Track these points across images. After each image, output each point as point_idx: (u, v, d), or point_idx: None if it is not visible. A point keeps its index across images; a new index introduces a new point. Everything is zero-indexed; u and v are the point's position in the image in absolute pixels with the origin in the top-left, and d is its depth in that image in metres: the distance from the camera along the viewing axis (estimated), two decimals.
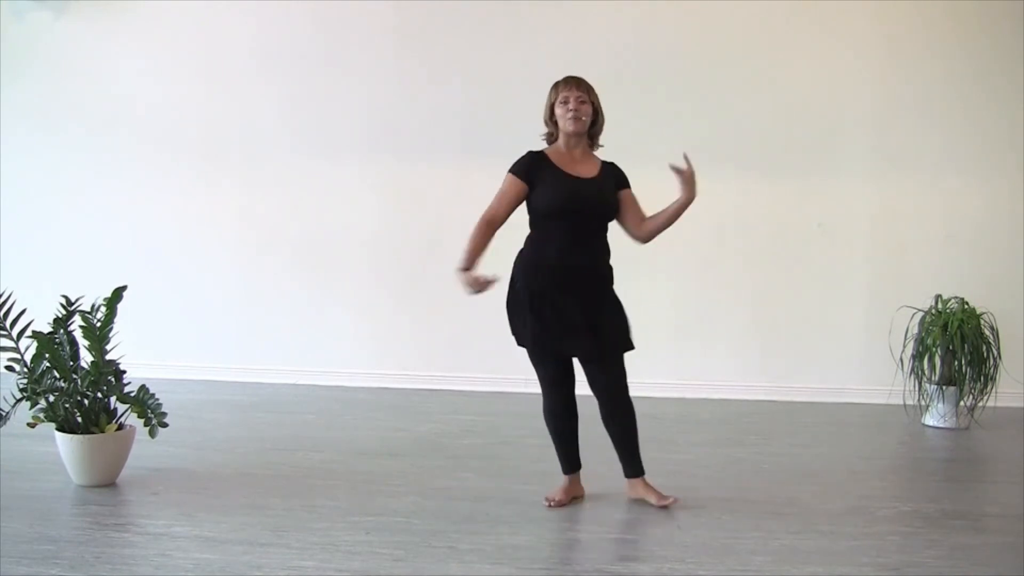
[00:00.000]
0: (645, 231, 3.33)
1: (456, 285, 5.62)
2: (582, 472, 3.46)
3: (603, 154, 3.40)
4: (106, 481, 3.47)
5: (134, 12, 5.57)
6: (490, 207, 3.24)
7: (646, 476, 3.38)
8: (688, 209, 3.27)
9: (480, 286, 3.07)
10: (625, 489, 3.41)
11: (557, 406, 3.36)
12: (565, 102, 3.23)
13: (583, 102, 3.23)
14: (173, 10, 5.53)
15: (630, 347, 3.34)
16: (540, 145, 3.37)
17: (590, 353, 3.25)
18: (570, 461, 3.43)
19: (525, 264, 3.28)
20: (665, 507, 3.29)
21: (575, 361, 3.35)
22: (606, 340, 3.25)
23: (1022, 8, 5.08)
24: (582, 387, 3.40)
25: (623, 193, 3.33)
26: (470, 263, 3.14)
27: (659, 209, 3.31)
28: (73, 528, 3.05)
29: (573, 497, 3.41)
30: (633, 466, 3.37)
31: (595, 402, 3.33)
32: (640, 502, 3.35)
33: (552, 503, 3.33)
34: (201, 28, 5.55)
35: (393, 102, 5.45)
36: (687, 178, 3.20)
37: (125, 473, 3.54)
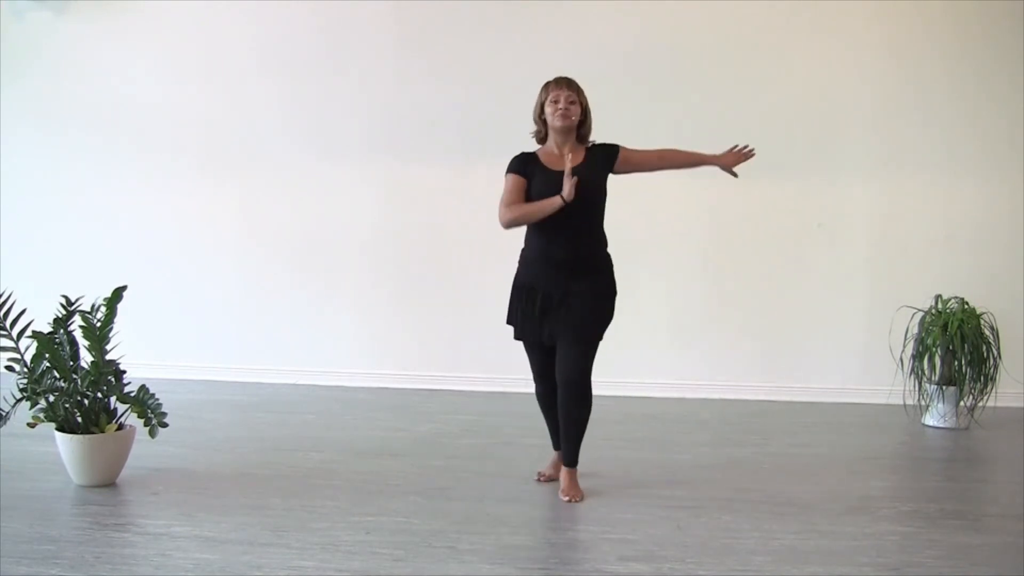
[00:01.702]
0: (664, 164, 3.49)
1: (455, 286, 5.64)
2: (580, 468, 3.51)
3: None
4: (106, 481, 3.47)
5: (134, 12, 5.57)
6: (503, 203, 3.34)
7: (576, 469, 3.46)
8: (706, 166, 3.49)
9: (571, 176, 3.16)
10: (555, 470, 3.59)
11: (543, 391, 3.55)
12: (556, 101, 3.32)
13: (572, 102, 3.32)
14: (173, 10, 5.53)
15: (592, 335, 3.38)
16: (537, 146, 3.45)
17: (555, 339, 3.38)
18: (556, 439, 3.62)
19: (522, 258, 3.44)
20: (568, 500, 3.36)
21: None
22: (569, 327, 3.33)
23: (1022, 8, 5.07)
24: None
25: (619, 158, 3.39)
26: (551, 202, 3.22)
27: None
28: (73, 528, 3.05)
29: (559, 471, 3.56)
30: (568, 455, 3.45)
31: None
32: (640, 502, 3.35)
33: (542, 478, 3.59)
34: (201, 28, 5.55)
35: (393, 102, 5.45)
36: (738, 159, 3.48)
37: (125, 473, 3.55)
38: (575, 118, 3.31)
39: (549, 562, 2.85)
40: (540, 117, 3.38)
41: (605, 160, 3.38)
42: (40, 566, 2.68)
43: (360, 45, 5.48)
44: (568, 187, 3.16)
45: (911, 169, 5.24)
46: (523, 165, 3.36)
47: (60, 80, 5.63)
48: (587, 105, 3.37)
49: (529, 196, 3.32)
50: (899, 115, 5.23)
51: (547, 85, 3.36)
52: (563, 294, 3.31)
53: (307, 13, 5.48)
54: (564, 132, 3.33)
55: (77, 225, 5.69)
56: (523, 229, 3.41)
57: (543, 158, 3.37)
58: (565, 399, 3.36)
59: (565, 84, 3.33)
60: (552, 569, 2.78)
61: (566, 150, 3.25)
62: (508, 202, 3.33)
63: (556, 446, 3.62)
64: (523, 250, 3.44)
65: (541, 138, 3.43)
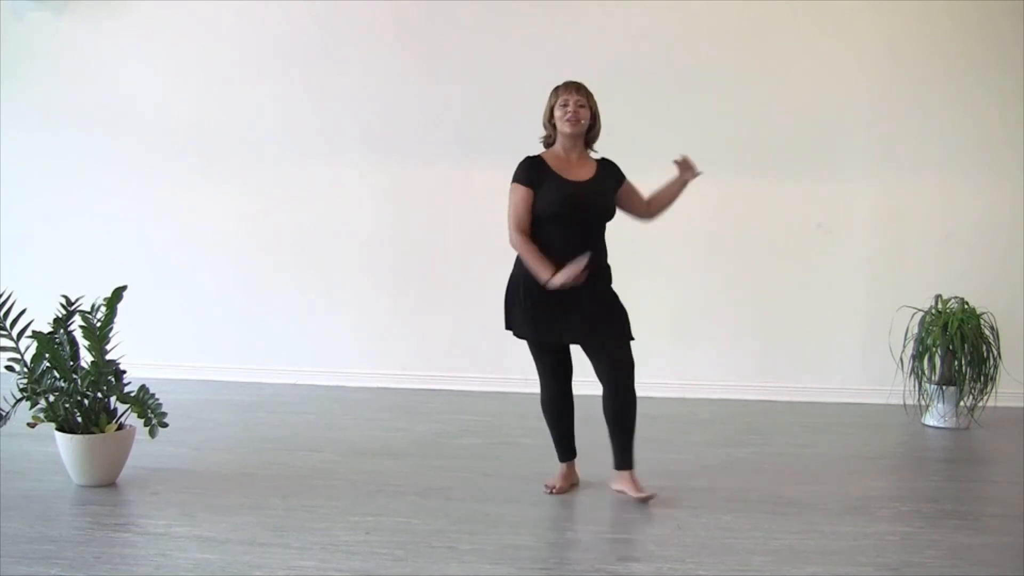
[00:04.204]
0: (653, 210, 3.48)
1: (455, 286, 5.64)
2: (579, 463, 3.53)
3: (603, 155, 3.43)
4: (106, 481, 3.47)
5: (134, 12, 5.57)
6: (513, 220, 3.28)
7: (633, 471, 3.39)
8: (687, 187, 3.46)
9: (577, 274, 3.11)
10: (612, 480, 3.44)
11: (554, 397, 3.47)
12: (565, 105, 3.29)
13: (582, 106, 3.30)
14: (173, 10, 5.53)
15: (629, 337, 3.38)
16: (538, 148, 3.43)
17: (587, 338, 3.31)
18: (565, 450, 3.53)
19: (519, 261, 3.34)
20: (644, 500, 3.32)
21: (578, 355, 3.39)
22: (605, 326, 3.30)
23: (1022, 8, 5.07)
24: (580, 383, 3.42)
25: (623, 188, 3.42)
26: (550, 271, 3.17)
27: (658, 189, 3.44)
28: (73, 528, 3.05)
29: (571, 484, 3.52)
30: (622, 458, 3.39)
31: (597, 400, 3.35)
32: (641, 502, 3.35)
33: (552, 490, 3.45)
34: (201, 28, 5.55)
35: (393, 102, 5.45)
36: (686, 166, 3.43)
37: (125, 473, 3.54)
38: (584, 123, 3.30)
39: (549, 562, 2.86)
40: (550, 121, 3.35)
41: (614, 181, 3.38)
42: (40, 566, 2.68)
43: (360, 45, 5.48)
44: (562, 278, 3.11)
45: (911, 169, 5.24)
46: (530, 173, 3.28)
47: (59, 80, 5.63)
48: (596, 110, 3.34)
49: (537, 203, 3.25)
50: (899, 115, 5.23)
51: (557, 89, 3.34)
52: (578, 300, 3.23)
53: (307, 13, 5.48)
54: (573, 137, 3.32)
55: (77, 225, 5.69)
56: (528, 231, 3.35)
57: (552, 164, 3.31)
58: (615, 400, 3.34)
59: (574, 88, 3.31)
60: (552, 569, 2.78)
61: (580, 267, 3.11)
62: (517, 219, 3.26)
63: (564, 457, 3.52)
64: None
65: (550, 143, 3.39)
